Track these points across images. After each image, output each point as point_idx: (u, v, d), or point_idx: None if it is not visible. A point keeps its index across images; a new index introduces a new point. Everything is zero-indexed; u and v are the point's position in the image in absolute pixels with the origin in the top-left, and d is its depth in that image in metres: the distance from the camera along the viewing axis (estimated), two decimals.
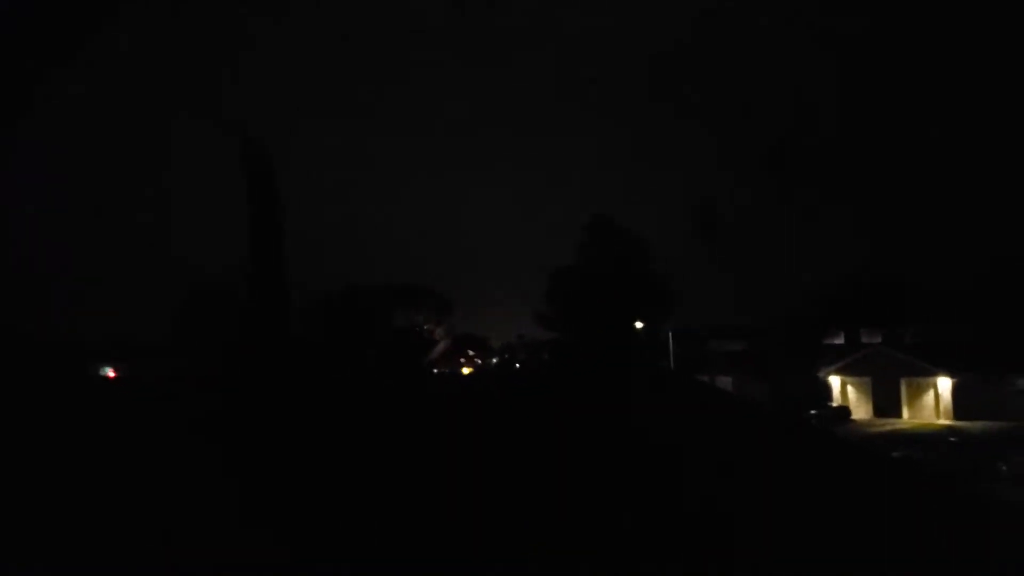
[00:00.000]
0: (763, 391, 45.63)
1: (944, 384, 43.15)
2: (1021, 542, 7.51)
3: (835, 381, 47.94)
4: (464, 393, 13.06)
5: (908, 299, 53.45)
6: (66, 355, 34.59)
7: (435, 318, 48.06)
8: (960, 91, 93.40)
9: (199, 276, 36.40)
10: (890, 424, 42.12)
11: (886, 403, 45.60)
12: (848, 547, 6.33)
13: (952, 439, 33.71)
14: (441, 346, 49.93)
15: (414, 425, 9.73)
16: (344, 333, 37.67)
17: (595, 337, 46.63)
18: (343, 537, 6.17)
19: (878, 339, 49.60)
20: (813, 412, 42.53)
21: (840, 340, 53.14)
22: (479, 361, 75.09)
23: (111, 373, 36.83)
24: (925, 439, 34.13)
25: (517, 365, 69.85)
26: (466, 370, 61.31)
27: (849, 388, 47.57)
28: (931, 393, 43.80)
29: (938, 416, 42.88)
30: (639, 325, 47.32)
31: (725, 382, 48.98)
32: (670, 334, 49.47)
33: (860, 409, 46.42)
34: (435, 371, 42.74)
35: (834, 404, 46.72)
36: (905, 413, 44.51)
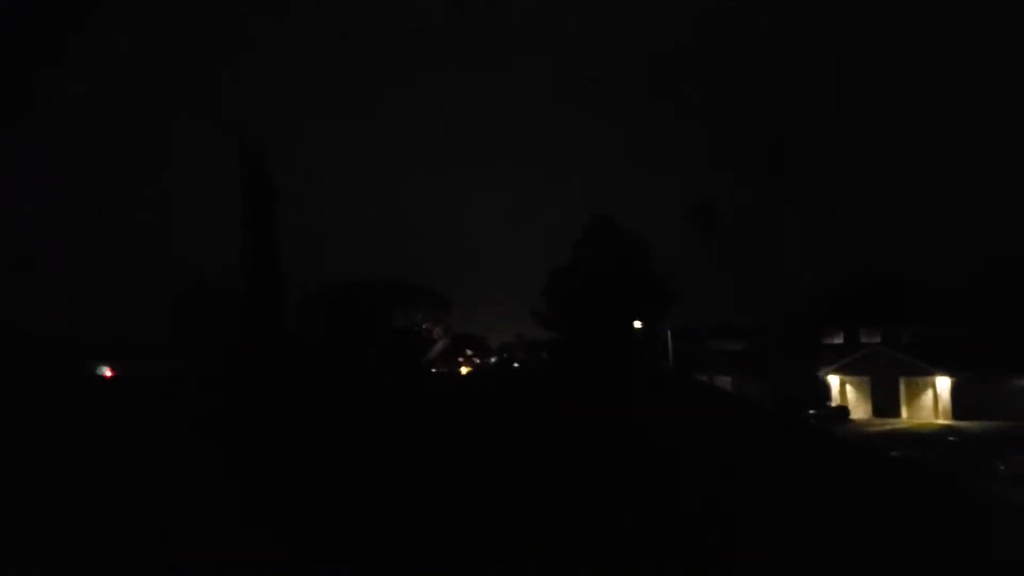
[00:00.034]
0: (762, 391, 45.63)
1: (943, 384, 43.15)
2: (1020, 542, 7.52)
3: (834, 381, 47.91)
4: (464, 393, 13.06)
5: (908, 299, 53.43)
6: (63, 354, 34.59)
7: (433, 317, 48.02)
8: (960, 91, 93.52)
9: (199, 276, 36.39)
10: (889, 424, 42.11)
11: (885, 403, 45.59)
12: (848, 547, 6.33)
13: (951, 438, 33.73)
14: (439, 345, 49.89)
15: (414, 425, 9.73)
16: (343, 332, 37.63)
17: (594, 337, 46.61)
18: (343, 537, 6.16)
19: (877, 339, 49.53)
20: (812, 412, 42.52)
21: (839, 340, 53.11)
22: (477, 360, 74.98)
23: (108, 372, 36.81)
24: (924, 439, 34.14)
25: (515, 365, 69.79)
26: (464, 369, 61.24)
27: (848, 388, 47.55)
28: (930, 393, 43.80)
29: (937, 416, 42.87)
30: (638, 325, 47.28)
31: (724, 382, 48.94)
32: (669, 333, 49.45)
33: (859, 409, 46.40)
34: (433, 370, 42.70)
35: (833, 404, 46.70)
36: (904, 413, 44.49)
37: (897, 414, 45.10)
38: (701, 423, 10.73)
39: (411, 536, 6.22)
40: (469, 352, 74.95)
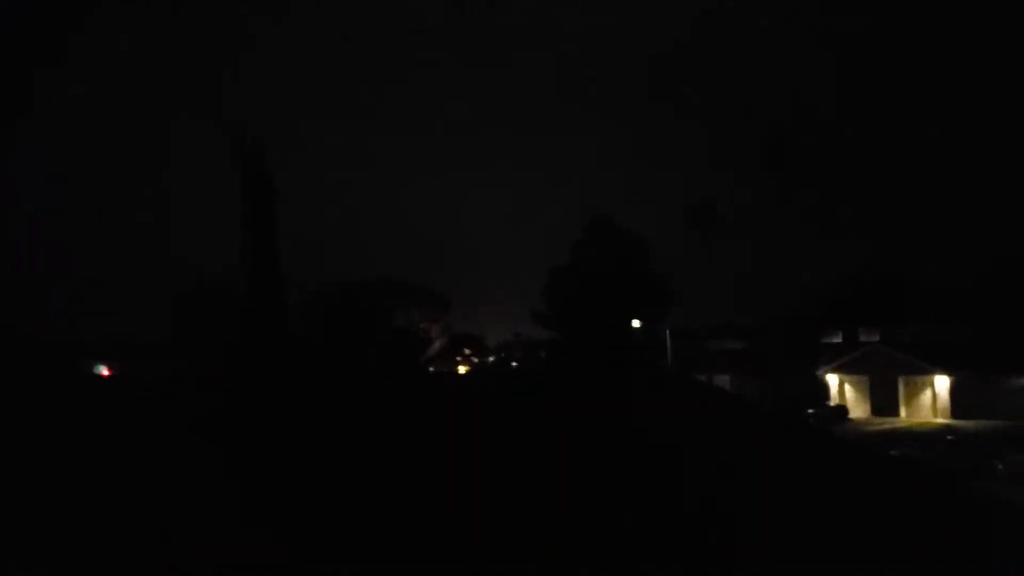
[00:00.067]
0: (761, 390, 45.65)
1: (942, 383, 43.20)
2: (1020, 542, 7.53)
3: (833, 380, 47.94)
4: (464, 393, 13.05)
5: (908, 299, 53.51)
6: (61, 354, 34.60)
7: (431, 317, 47.99)
8: (960, 91, 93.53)
9: (199, 276, 36.38)
10: (888, 423, 42.14)
11: (884, 402, 45.62)
12: (848, 547, 6.33)
13: (949, 438, 33.75)
14: (437, 345, 49.87)
15: (414, 425, 9.73)
16: (343, 332, 37.62)
17: (593, 336, 46.59)
18: (343, 537, 6.16)
19: (876, 338, 49.58)
20: (810, 411, 42.54)
21: (838, 339, 53.17)
22: (475, 360, 74.86)
23: (105, 372, 36.80)
24: (922, 438, 34.16)
25: (513, 364, 69.73)
26: (462, 369, 61.17)
27: (847, 387, 47.58)
28: (928, 392, 43.84)
29: (935, 415, 42.92)
30: (637, 324, 47.26)
31: (723, 381, 48.94)
32: (667, 333, 49.45)
33: (858, 408, 46.43)
34: (431, 370, 42.68)
35: (832, 403, 46.74)
36: (903, 412, 44.53)
37: (896, 413, 45.13)
38: (701, 423, 10.73)
39: (411, 536, 6.22)
40: (467, 351, 74.85)
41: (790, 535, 6.49)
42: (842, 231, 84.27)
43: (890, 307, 52.90)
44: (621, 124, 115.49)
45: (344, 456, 8.30)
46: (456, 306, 51.60)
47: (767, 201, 54.10)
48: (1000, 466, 24.39)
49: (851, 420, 44.50)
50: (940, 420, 42.35)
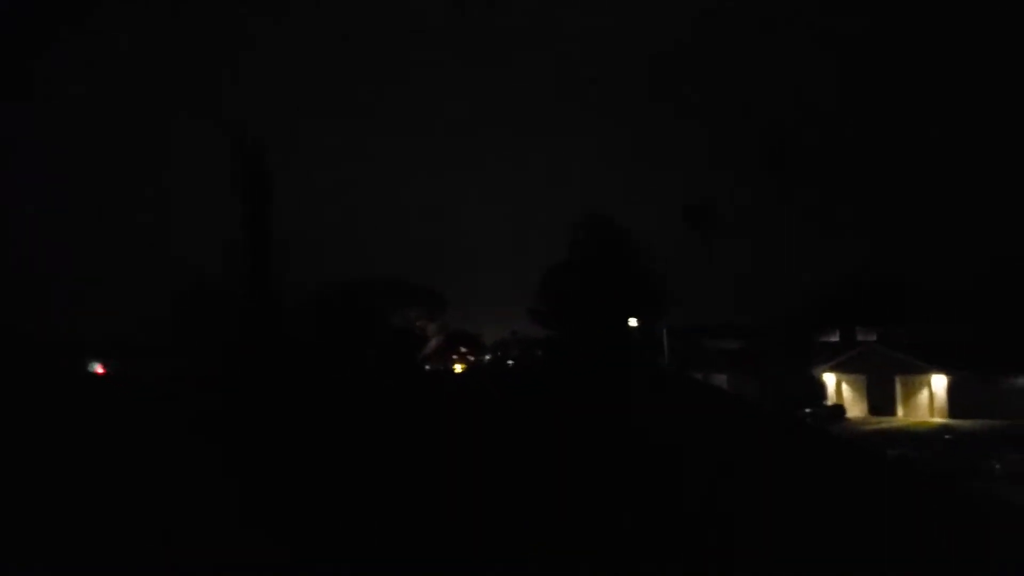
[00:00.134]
0: (758, 389, 45.69)
1: (939, 382, 43.24)
2: (1019, 542, 7.54)
3: (830, 379, 47.97)
4: (464, 393, 13.05)
5: (907, 299, 53.61)
6: (57, 352, 34.62)
7: (427, 315, 48.01)
8: (960, 91, 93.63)
9: (198, 276, 36.39)
10: (885, 422, 42.18)
11: (881, 401, 45.66)
12: (848, 547, 6.33)
13: (947, 437, 33.79)
14: (433, 343, 49.89)
15: (414, 425, 9.72)
16: (341, 332, 37.63)
17: (590, 335, 46.60)
18: (343, 537, 6.15)
19: (873, 338, 49.64)
20: (808, 411, 42.58)
21: (836, 339, 53.22)
22: (471, 358, 74.82)
23: (100, 369, 36.82)
24: (920, 437, 34.21)
25: (509, 362, 69.72)
26: (458, 367, 61.16)
27: (844, 386, 47.61)
28: (926, 391, 43.86)
29: (932, 414, 42.96)
30: (634, 323, 47.28)
31: (720, 380, 48.97)
32: (664, 332, 49.50)
33: (855, 407, 46.47)
34: (426, 368, 42.68)
35: (829, 403, 46.76)
36: (900, 411, 44.56)
37: (893, 413, 45.17)
38: (701, 423, 10.73)
39: (411, 536, 6.22)
40: (463, 350, 74.81)
41: (790, 535, 6.50)
42: (842, 231, 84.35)
43: (890, 307, 53.01)
44: (621, 124, 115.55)
45: (344, 456, 8.29)
46: (455, 305, 51.69)
47: (767, 201, 54.19)
48: (998, 466, 24.43)
49: (848, 420, 44.54)
50: (937, 420, 42.39)
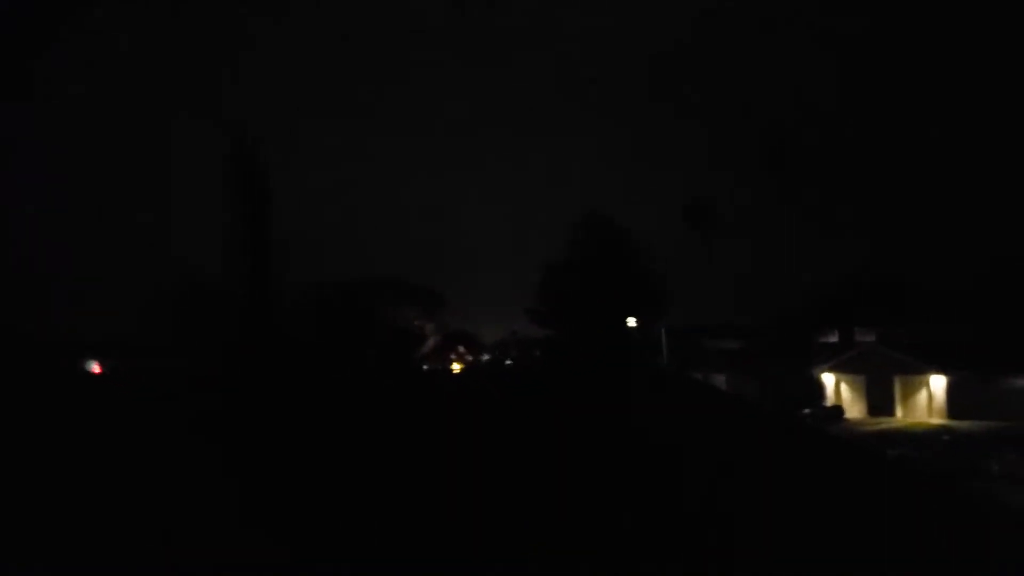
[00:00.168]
0: (758, 389, 45.70)
1: (938, 382, 43.24)
2: (1019, 543, 7.54)
3: (829, 379, 47.97)
4: (464, 392, 13.05)
5: (907, 299, 53.67)
6: (55, 352, 34.65)
7: (425, 314, 47.99)
8: (960, 91, 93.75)
9: (199, 276, 36.42)
10: (883, 423, 42.20)
11: (880, 402, 45.67)
12: (848, 547, 6.33)
13: (945, 438, 33.83)
14: (431, 342, 49.88)
15: (413, 425, 9.72)
16: (340, 331, 37.63)
17: (588, 334, 46.60)
18: (343, 537, 6.15)
19: (872, 338, 49.64)
20: (806, 411, 42.58)
21: (835, 339, 53.24)
22: (470, 358, 74.84)
23: (96, 368, 36.87)
24: (918, 438, 34.24)
25: (508, 362, 69.76)
26: (456, 366, 61.15)
27: (843, 386, 47.61)
28: (924, 392, 43.87)
29: (931, 415, 42.97)
30: (633, 323, 47.26)
31: (719, 380, 49.01)
32: (663, 332, 49.50)
33: (854, 408, 46.47)
34: (424, 368, 42.66)
35: (827, 403, 46.78)
36: (899, 412, 44.57)
37: (892, 413, 45.20)
38: (701, 423, 10.73)
39: (411, 536, 6.21)
40: (462, 349, 74.86)
41: (790, 535, 6.49)
42: (842, 231, 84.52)
43: (889, 307, 53.09)
44: (621, 124, 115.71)
45: (343, 456, 8.29)
46: (454, 305, 51.68)
47: (767, 201, 54.33)
48: (996, 466, 24.47)
49: (847, 420, 44.57)
50: (936, 420, 42.42)
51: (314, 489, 7.25)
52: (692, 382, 22.03)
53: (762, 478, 8.11)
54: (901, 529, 7.06)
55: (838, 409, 45.52)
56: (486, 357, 77.66)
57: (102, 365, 37.46)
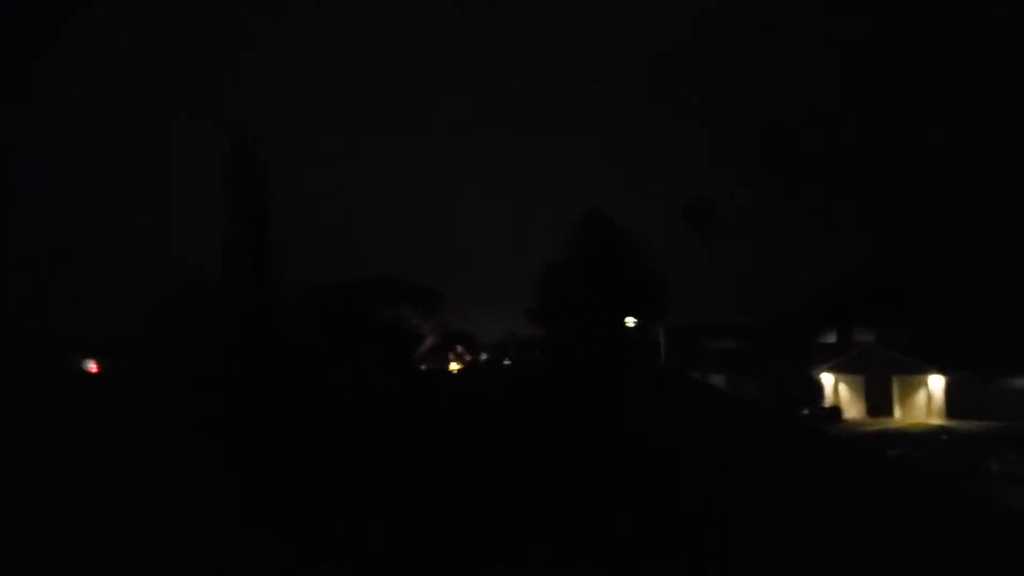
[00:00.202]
0: (757, 389, 45.72)
1: (936, 383, 43.24)
2: (1019, 543, 7.54)
3: (828, 380, 47.95)
4: (464, 392, 13.04)
5: (907, 299, 53.70)
6: (53, 351, 34.67)
7: (424, 313, 47.97)
8: (960, 91, 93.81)
9: (198, 276, 36.42)
10: (882, 423, 42.19)
11: (879, 402, 45.66)
12: (848, 547, 6.34)
13: (944, 438, 33.83)
14: (429, 342, 49.84)
15: (413, 424, 9.72)
16: (339, 331, 37.62)
17: (586, 334, 46.58)
18: (343, 537, 6.15)
19: (871, 338, 49.65)
20: (805, 411, 42.58)
21: (834, 339, 53.24)
22: (468, 358, 74.78)
23: (93, 367, 36.87)
24: (917, 438, 34.24)
25: (506, 362, 69.72)
26: (454, 366, 61.11)
27: (841, 387, 47.60)
28: (923, 392, 43.86)
29: (930, 415, 42.97)
30: (632, 323, 47.25)
31: (718, 380, 49.01)
32: (661, 332, 49.51)
33: (852, 408, 46.46)
34: (422, 367, 42.66)
35: (826, 403, 46.77)
36: (897, 412, 44.57)
37: (890, 413, 45.18)
38: (701, 423, 10.74)
39: (411, 536, 6.21)
40: (460, 349, 74.79)
41: (790, 535, 6.50)
42: (842, 231, 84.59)
43: (890, 307, 53.10)
44: (621, 124, 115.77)
45: (343, 455, 8.29)
46: (454, 305, 51.64)
47: (767, 201, 54.37)
48: (995, 466, 24.48)
49: (845, 420, 44.56)
50: (935, 420, 42.41)
51: (314, 489, 7.25)
52: (692, 382, 22.04)
53: (762, 478, 8.11)
54: (901, 529, 7.06)
55: (836, 410, 45.49)
56: (485, 357, 77.62)
57: (100, 364, 37.48)
